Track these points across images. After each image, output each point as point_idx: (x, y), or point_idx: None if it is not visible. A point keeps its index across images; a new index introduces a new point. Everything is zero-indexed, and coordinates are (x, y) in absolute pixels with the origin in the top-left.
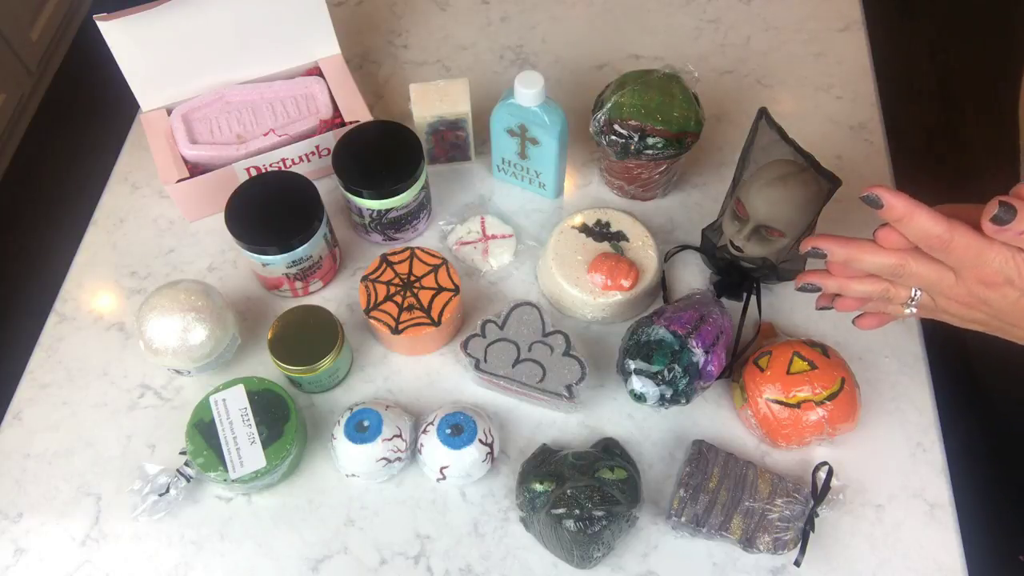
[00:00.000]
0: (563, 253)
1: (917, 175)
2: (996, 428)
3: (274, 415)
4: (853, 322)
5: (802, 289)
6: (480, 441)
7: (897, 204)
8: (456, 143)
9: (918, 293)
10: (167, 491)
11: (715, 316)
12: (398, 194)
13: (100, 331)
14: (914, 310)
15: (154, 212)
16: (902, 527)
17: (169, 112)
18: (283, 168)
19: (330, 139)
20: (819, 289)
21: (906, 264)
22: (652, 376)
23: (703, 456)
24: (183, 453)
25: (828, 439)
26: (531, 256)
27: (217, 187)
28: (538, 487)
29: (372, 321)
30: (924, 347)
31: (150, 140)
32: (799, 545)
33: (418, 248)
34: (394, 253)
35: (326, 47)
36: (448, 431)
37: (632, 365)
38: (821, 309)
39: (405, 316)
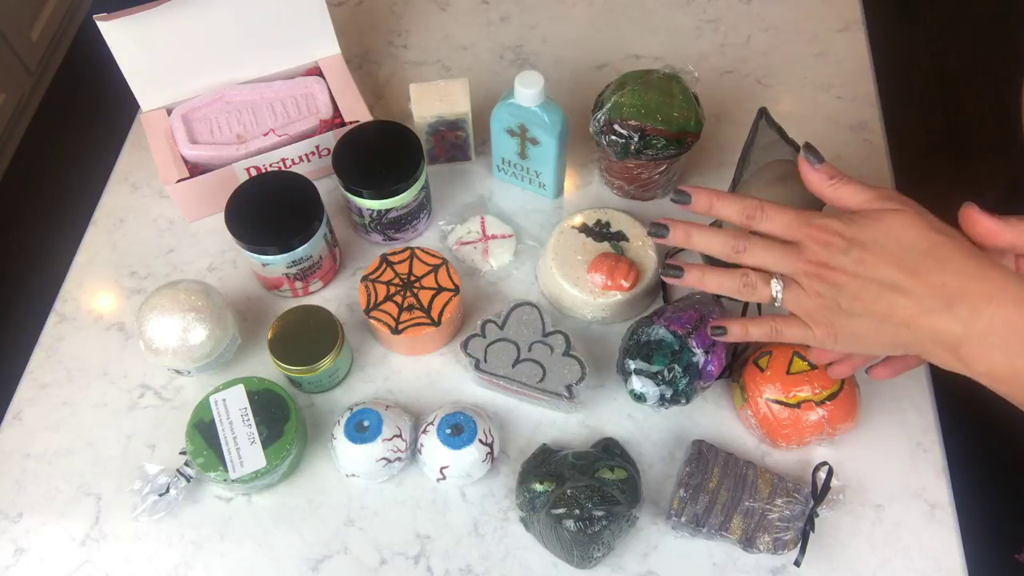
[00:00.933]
0: (563, 253)
1: (917, 175)
2: (996, 428)
3: (274, 415)
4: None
5: (666, 272)
6: (480, 441)
7: (700, 195)
8: (456, 143)
9: (778, 282)
10: (167, 491)
11: (715, 316)
12: (398, 194)
13: (100, 331)
14: (780, 289)
15: (154, 212)
16: (902, 527)
17: (169, 112)
18: (283, 168)
19: (330, 139)
20: (681, 271)
21: (746, 238)
22: (652, 376)
23: (703, 456)
24: (183, 453)
25: (828, 439)
26: (531, 256)
27: (217, 187)
28: (538, 487)
29: (372, 321)
30: None
31: (150, 140)
32: (799, 545)
33: (418, 248)
34: (394, 253)
35: (326, 47)
36: (448, 431)
37: (632, 365)
38: (715, 335)
39: (405, 316)
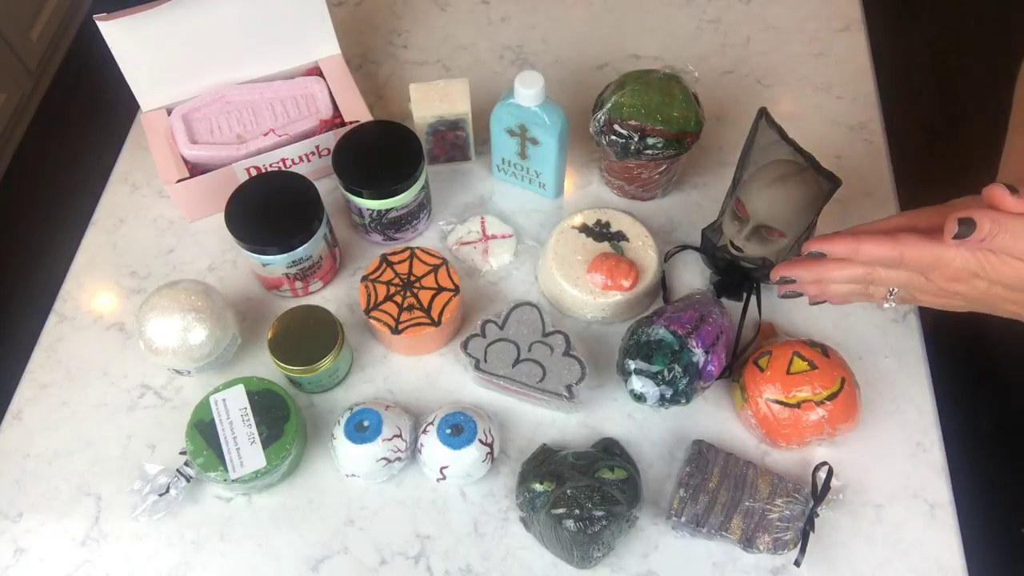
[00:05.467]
0: (563, 253)
1: (917, 175)
2: (997, 428)
3: (274, 415)
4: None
5: (786, 297)
6: (480, 441)
7: (838, 247)
8: (456, 143)
9: (894, 291)
10: (167, 491)
11: (715, 316)
12: (398, 194)
13: (100, 331)
14: (893, 304)
15: (154, 212)
16: (902, 527)
17: (169, 112)
18: (283, 168)
19: (330, 139)
20: (801, 294)
21: (873, 272)
22: (652, 376)
23: (703, 456)
24: (183, 453)
25: (828, 439)
26: (531, 256)
27: (217, 187)
28: (538, 487)
29: (372, 321)
30: (924, 347)
31: (150, 140)
32: (799, 545)
33: (418, 248)
34: (394, 253)
35: (326, 47)
36: (448, 431)
37: (632, 365)
38: (815, 304)
39: (405, 316)
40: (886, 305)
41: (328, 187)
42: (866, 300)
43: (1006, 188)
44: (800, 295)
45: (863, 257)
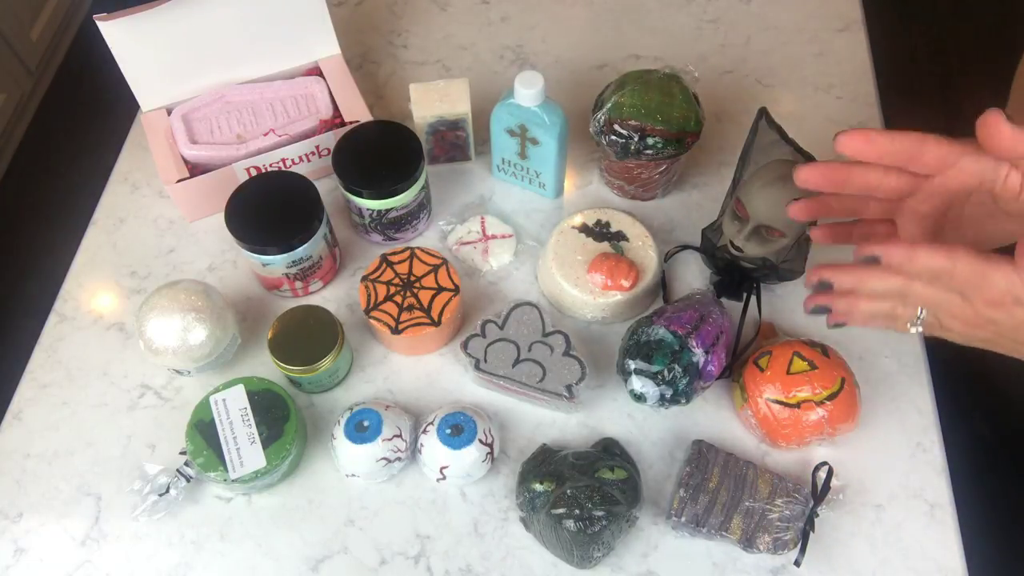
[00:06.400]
0: (563, 253)
1: None
2: (997, 428)
3: (274, 415)
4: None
5: (814, 311)
6: (480, 441)
7: (894, 252)
8: (456, 143)
9: (923, 312)
10: (167, 491)
11: (715, 316)
12: (398, 194)
13: (100, 331)
14: (920, 329)
15: (154, 212)
16: (902, 527)
17: (169, 112)
18: (283, 168)
19: (330, 139)
20: (830, 310)
21: (911, 285)
22: (652, 376)
23: (703, 456)
24: (183, 453)
25: (828, 439)
26: (531, 256)
27: (217, 187)
28: (538, 487)
29: (372, 321)
30: (924, 347)
31: (150, 140)
32: (799, 545)
33: (418, 248)
34: (394, 253)
35: (326, 47)
36: (448, 431)
37: (632, 365)
38: (834, 327)
39: (405, 316)
40: (912, 330)
41: (328, 187)
42: (889, 325)
43: (1002, 113)
44: (828, 310)
45: (917, 264)
